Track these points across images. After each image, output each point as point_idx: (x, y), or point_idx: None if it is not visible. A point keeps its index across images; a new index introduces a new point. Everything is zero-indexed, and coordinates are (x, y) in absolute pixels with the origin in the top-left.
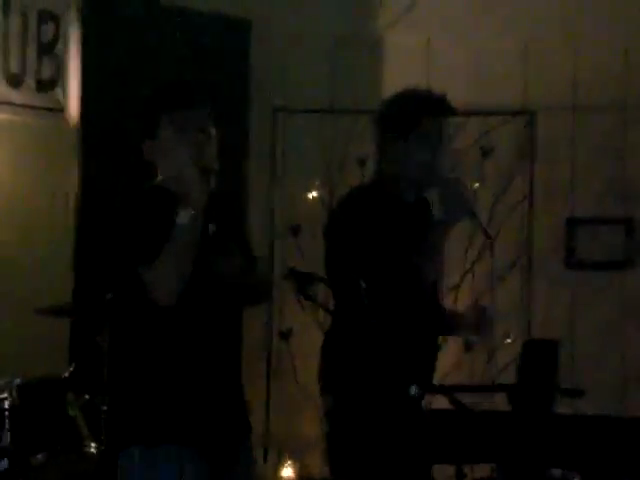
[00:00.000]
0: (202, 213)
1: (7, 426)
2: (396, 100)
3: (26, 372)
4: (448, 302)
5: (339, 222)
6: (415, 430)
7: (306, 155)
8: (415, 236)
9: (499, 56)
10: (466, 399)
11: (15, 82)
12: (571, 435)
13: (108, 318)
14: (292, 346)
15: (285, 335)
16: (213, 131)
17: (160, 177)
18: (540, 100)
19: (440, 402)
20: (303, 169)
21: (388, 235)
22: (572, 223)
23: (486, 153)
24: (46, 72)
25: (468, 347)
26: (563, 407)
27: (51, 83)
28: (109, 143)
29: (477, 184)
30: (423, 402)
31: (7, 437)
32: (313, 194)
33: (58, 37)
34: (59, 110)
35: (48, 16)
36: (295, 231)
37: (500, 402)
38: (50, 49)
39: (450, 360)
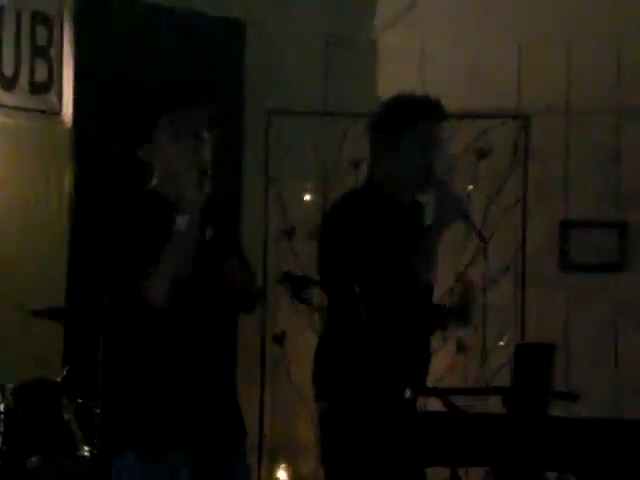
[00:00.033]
0: (199, 215)
1: (1, 429)
2: (390, 104)
3: (20, 375)
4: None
5: (333, 226)
6: (409, 433)
7: (300, 157)
8: (410, 239)
9: (494, 59)
10: (460, 402)
11: (8, 84)
12: (566, 438)
13: (103, 322)
14: (286, 350)
15: (279, 339)
16: (208, 134)
17: (155, 181)
18: (535, 103)
19: (434, 404)
20: (297, 171)
21: (383, 238)
22: (566, 226)
23: (481, 156)
24: (40, 74)
25: (461, 348)
26: (557, 410)
27: (45, 85)
28: (103, 146)
29: (471, 186)
30: (417, 405)
31: (1, 440)
32: (307, 196)
33: (52, 39)
34: (53, 112)
35: (42, 18)
36: (289, 234)
37: (494, 405)
38: (44, 51)
39: (444, 362)
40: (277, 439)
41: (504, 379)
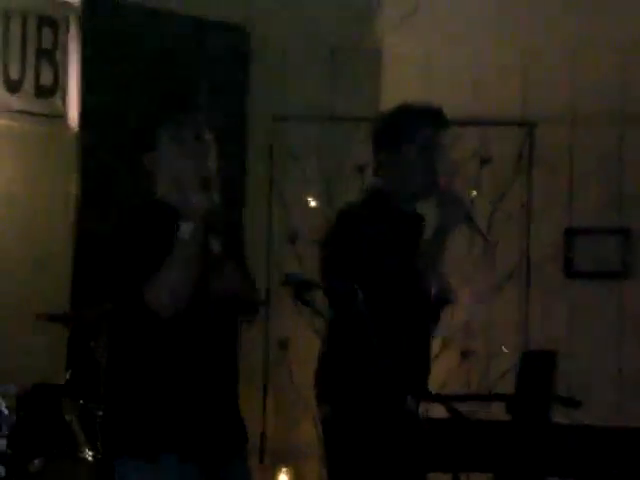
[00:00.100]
0: (203, 221)
1: (5, 432)
2: (393, 113)
3: (23, 378)
4: (445, 313)
5: (339, 234)
6: (412, 438)
7: (305, 163)
8: (414, 246)
9: (498, 66)
10: (463, 408)
11: (14, 88)
12: (568, 444)
13: (106, 326)
14: (289, 354)
15: (282, 343)
16: (211, 137)
17: (160, 189)
18: (539, 111)
19: (437, 411)
20: (301, 176)
21: (388, 245)
22: (570, 233)
23: (484, 163)
24: (45, 78)
25: (464, 354)
26: (560, 417)
27: (50, 89)
28: (108, 150)
29: (475, 192)
30: (420, 410)
31: (4, 443)
32: (312, 202)
33: (57, 43)
34: (58, 116)
35: (47, 22)
36: (293, 239)
37: (496, 411)
38: (49, 55)
39: (447, 369)
40: (279, 442)
41: (507, 385)
